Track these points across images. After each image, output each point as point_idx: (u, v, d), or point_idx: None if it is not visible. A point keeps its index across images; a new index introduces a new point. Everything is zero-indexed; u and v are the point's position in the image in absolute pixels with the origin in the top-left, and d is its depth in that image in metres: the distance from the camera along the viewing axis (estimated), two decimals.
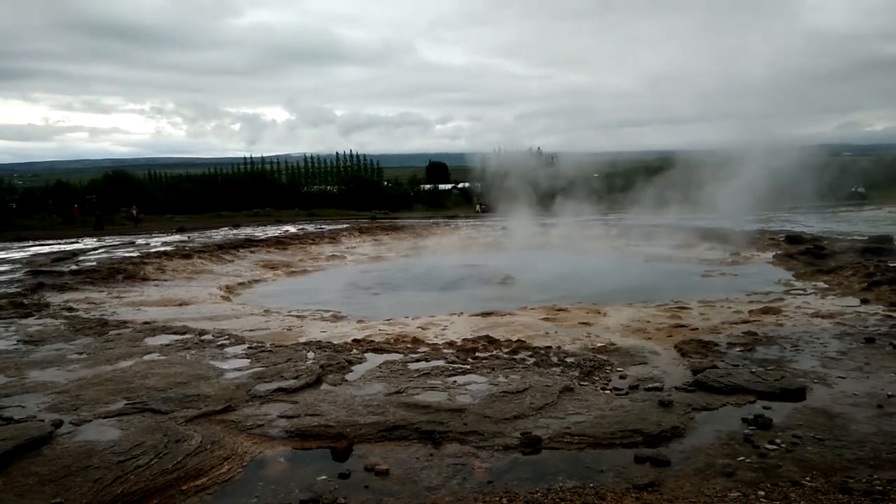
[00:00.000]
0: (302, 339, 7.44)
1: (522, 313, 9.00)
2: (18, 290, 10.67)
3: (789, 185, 18.69)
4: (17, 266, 13.48)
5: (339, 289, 12.74)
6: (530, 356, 6.32)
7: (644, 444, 4.20)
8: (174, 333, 7.61)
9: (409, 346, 6.95)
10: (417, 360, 6.19)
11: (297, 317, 9.42)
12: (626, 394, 5.18)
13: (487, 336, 7.29)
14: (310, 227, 22.71)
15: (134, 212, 31.16)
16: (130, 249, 16.15)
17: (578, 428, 4.44)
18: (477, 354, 6.42)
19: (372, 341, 7.19)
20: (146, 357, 6.48)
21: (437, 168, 73.32)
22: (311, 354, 6.45)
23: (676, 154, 22.18)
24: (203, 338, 7.34)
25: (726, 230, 17.43)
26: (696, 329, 7.60)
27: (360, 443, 4.34)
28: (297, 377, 5.60)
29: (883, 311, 8.16)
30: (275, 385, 5.43)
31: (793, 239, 15.53)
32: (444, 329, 8.00)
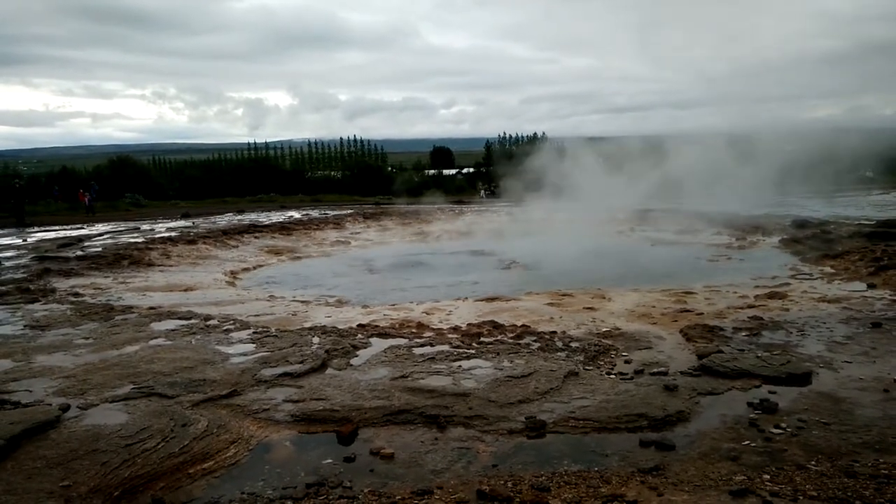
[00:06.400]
0: (307, 324, 7.45)
1: (527, 298, 8.99)
2: (25, 275, 10.72)
3: (796, 170, 18.54)
4: (23, 252, 13.53)
5: (344, 274, 12.75)
6: (535, 341, 6.31)
7: (649, 428, 4.21)
8: (180, 318, 7.63)
9: (413, 331, 6.96)
10: (422, 345, 6.20)
11: (302, 302, 9.44)
12: (631, 378, 5.17)
13: (492, 321, 7.29)
14: (314, 213, 22.70)
15: (86, 200, 26.29)
16: (135, 235, 16.19)
17: (583, 412, 4.44)
18: (482, 339, 6.42)
19: (377, 326, 7.20)
20: (152, 342, 6.51)
21: (442, 153, 73.13)
22: (316, 339, 6.47)
23: (681, 138, 21.97)
24: (208, 323, 7.36)
25: (732, 215, 17.33)
26: (702, 314, 7.57)
27: (365, 427, 4.35)
28: (302, 362, 5.62)
29: (890, 295, 8.12)
30: (280, 370, 5.45)
31: (799, 223, 15.44)
32: (448, 314, 8.00)
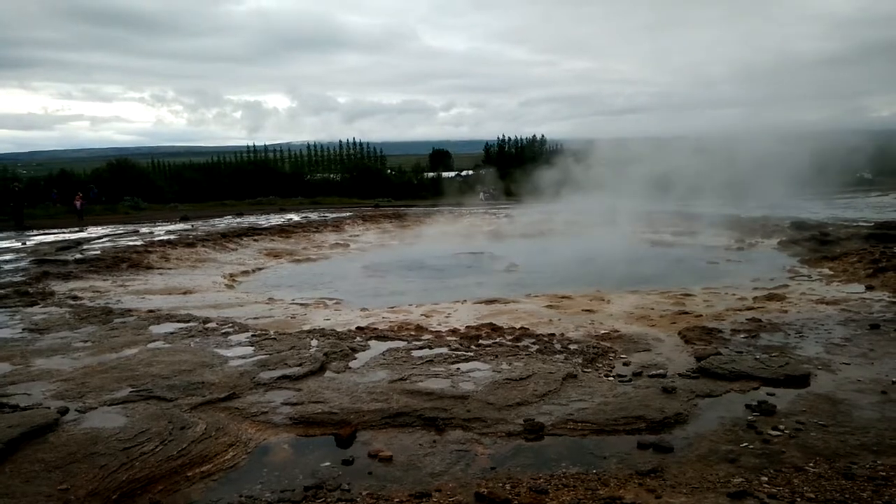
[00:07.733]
0: (305, 327, 7.45)
1: (526, 301, 8.99)
2: (24, 278, 10.71)
3: (795, 171, 18.57)
4: (22, 255, 13.52)
5: (343, 277, 12.74)
6: (534, 343, 6.32)
7: (647, 430, 4.21)
8: (178, 321, 7.63)
9: (412, 333, 6.96)
10: (421, 348, 6.20)
11: (301, 305, 9.43)
12: (630, 381, 5.17)
13: (491, 323, 7.30)
14: (313, 216, 22.70)
15: (77, 204, 24.94)
16: (134, 238, 16.18)
17: (581, 415, 4.45)
18: (480, 342, 6.42)
19: (375, 329, 7.20)
20: (151, 345, 6.51)
21: (441, 156, 73.16)
22: (314, 342, 6.47)
23: (678, 140, 22.00)
24: (207, 326, 7.36)
25: (731, 217, 17.35)
26: (700, 316, 7.58)
27: (363, 429, 4.35)
28: (300, 364, 5.62)
29: (888, 297, 8.13)
30: (279, 372, 5.45)
31: (798, 225, 15.47)
32: (447, 316, 8.01)
